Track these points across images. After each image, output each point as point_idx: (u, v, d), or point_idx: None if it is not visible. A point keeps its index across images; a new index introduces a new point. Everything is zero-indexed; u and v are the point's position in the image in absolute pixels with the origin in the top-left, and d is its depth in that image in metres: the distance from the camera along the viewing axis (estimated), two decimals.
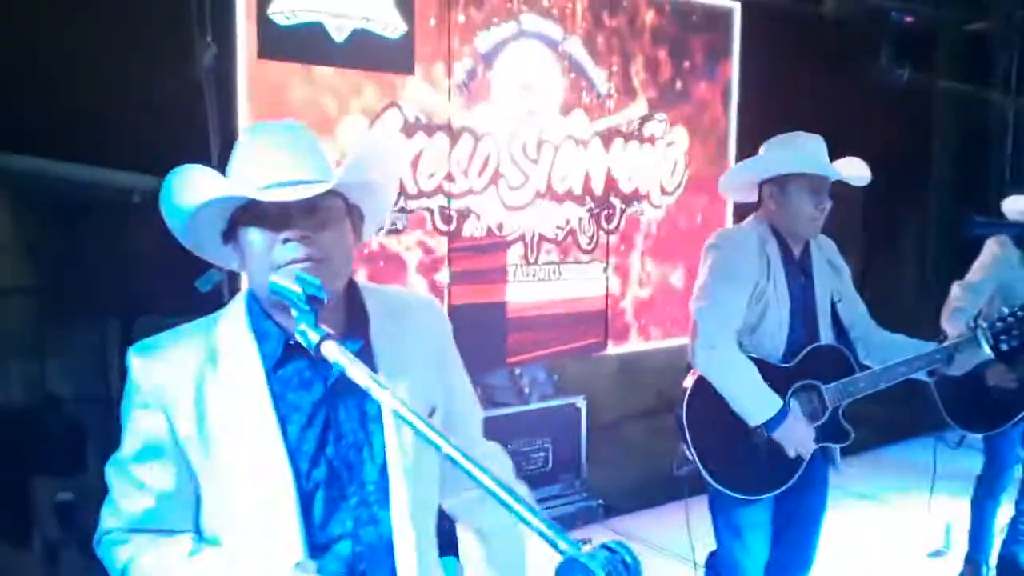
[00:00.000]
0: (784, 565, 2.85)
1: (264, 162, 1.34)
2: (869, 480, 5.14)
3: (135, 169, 3.43)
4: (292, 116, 3.67)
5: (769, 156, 2.81)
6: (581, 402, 4.77)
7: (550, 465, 4.65)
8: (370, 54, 3.92)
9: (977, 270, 3.64)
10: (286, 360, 1.41)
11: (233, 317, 1.44)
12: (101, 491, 1.44)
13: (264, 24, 3.63)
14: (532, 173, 4.61)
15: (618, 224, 5.00)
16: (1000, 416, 3.51)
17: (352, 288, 1.49)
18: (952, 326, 3.27)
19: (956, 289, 3.59)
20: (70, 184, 3.56)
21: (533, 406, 4.71)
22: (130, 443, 1.40)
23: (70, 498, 3.47)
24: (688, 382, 2.77)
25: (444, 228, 4.30)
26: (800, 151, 2.72)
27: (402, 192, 4.07)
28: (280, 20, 3.67)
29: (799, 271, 2.79)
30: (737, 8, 5.39)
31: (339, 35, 3.81)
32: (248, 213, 1.35)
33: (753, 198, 2.87)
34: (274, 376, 1.40)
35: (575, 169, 4.78)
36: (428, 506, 1.51)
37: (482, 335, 4.41)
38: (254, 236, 1.35)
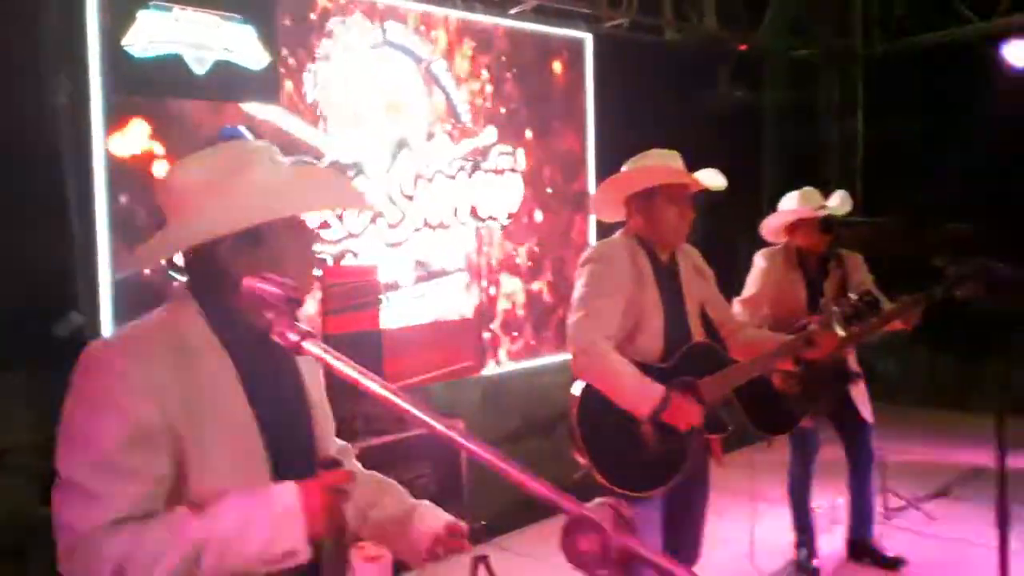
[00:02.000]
0: (675, 557, 2.97)
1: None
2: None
3: None
4: (150, 150, 3.59)
5: (633, 172, 2.98)
6: (461, 425, 4.79)
7: (434, 489, 4.65)
8: (233, 86, 3.86)
9: (750, 285, 4.03)
10: (246, 348, 1.53)
11: (185, 312, 1.52)
12: None
13: (118, 57, 3.52)
14: (409, 210, 4.68)
15: (484, 250, 5.12)
16: (790, 416, 3.82)
17: None
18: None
19: (736, 305, 3.94)
20: None
21: (413, 433, 4.69)
22: (110, 435, 1.38)
23: None
24: (576, 390, 2.87)
25: (317, 272, 4.27)
26: (660, 164, 2.90)
27: None
28: (136, 52, 3.57)
29: (669, 278, 2.96)
30: (589, 38, 5.67)
31: (200, 67, 3.74)
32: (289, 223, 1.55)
33: (622, 216, 3.04)
34: (239, 362, 1.52)
35: (446, 201, 4.88)
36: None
37: (357, 360, 4.38)
38: (298, 243, 1.58)
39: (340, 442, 1.87)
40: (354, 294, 4.44)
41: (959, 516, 4.67)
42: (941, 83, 6.67)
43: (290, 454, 1.56)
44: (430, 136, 4.83)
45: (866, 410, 4.06)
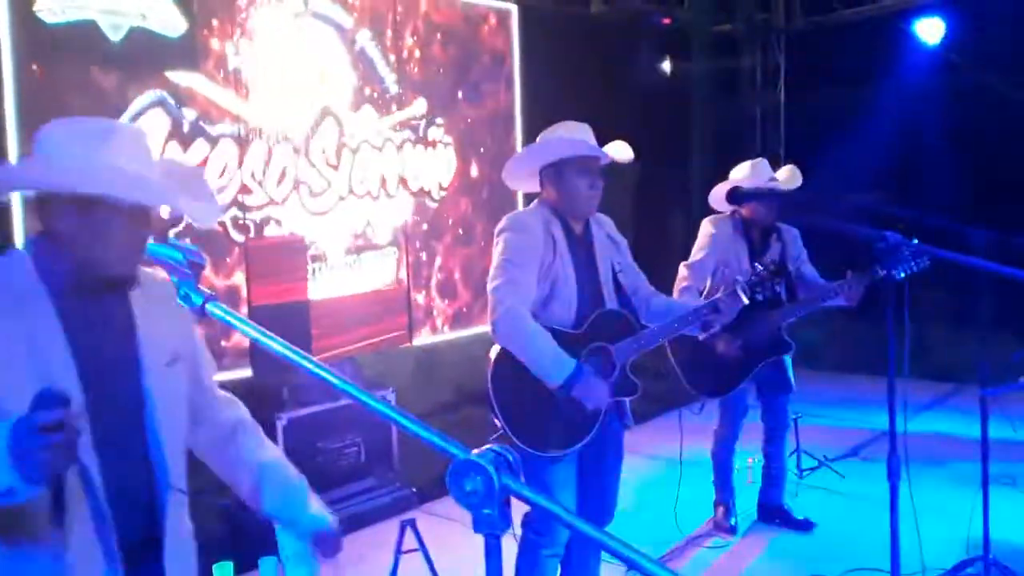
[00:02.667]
0: (590, 515, 3.10)
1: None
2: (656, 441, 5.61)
3: None
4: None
5: (543, 145, 3.06)
6: (390, 395, 4.84)
7: (363, 459, 4.70)
8: (150, 53, 3.81)
9: (698, 251, 4.09)
10: (74, 300, 1.60)
11: (20, 259, 1.59)
12: None
13: (29, 22, 3.45)
14: (334, 179, 4.67)
15: (415, 220, 5.16)
16: (729, 381, 4.02)
17: None
18: (682, 301, 3.66)
19: (683, 269, 4.04)
20: None
21: (342, 403, 4.73)
22: None
23: None
24: (492, 354, 2.96)
25: (240, 237, 4.25)
26: (570, 137, 2.98)
27: None
28: (48, 18, 3.50)
29: (582, 247, 3.05)
30: (515, 10, 5.69)
31: (115, 34, 3.68)
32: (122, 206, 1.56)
33: (536, 186, 3.11)
34: (65, 313, 1.58)
35: (374, 172, 4.89)
36: (177, 439, 1.76)
37: (284, 334, 4.38)
38: (126, 227, 1.59)
39: (224, 394, 1.97)
40: (280, 264, 4.44)
41: (867, 474, 4.91)
42: (858, 57, 6.88)
43: (111, 403, 1.63)
44: (355, 106, 4.82)
45: (789, 377, 4.24)
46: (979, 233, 3.54)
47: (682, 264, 4.07)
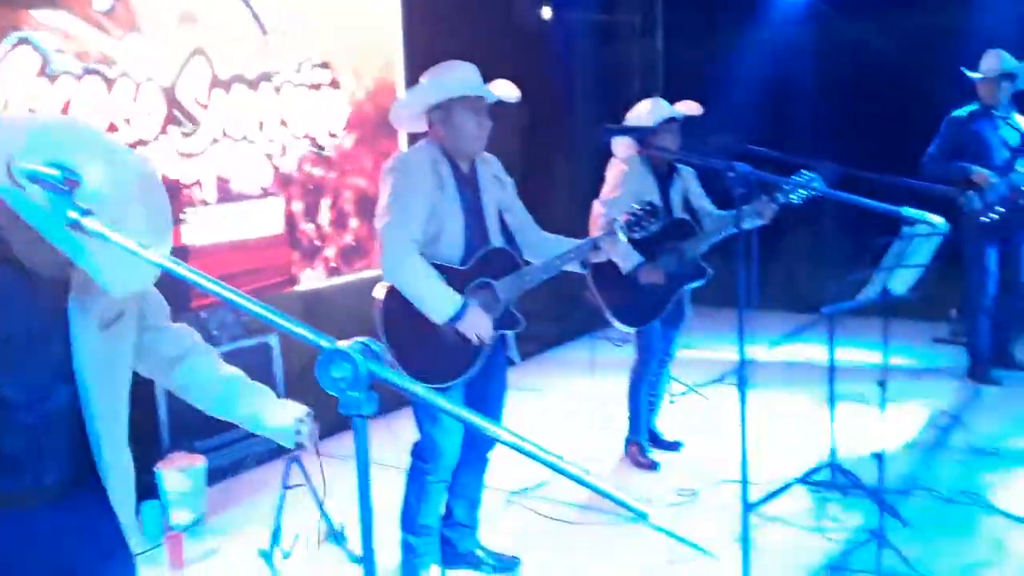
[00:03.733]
0: (477, 442, 3.24)
1: None
2: (539, 376, 5.83)
3: None
4: None
5: (431, 85, 3.10)
6: (274, 340, 4.80)
7: None
8: None
9: (612, 188, 4.21)
10: None
11: None
12: None
13: None
14: (205, 119, 4.55)
15: (295, 163, 5.09)
16: (650, 311, 4.20)
17: None
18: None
19: (598, 207, 4.17)
20: None
21: (224, 348, 4.66)
22: None
23: None
24: (379, 292, 3.02)
25: None
26: (458, 77, 3.03)
27: None
28: None
29: (468, 186, 3.13)
30: None
31: None
32: None
33: (423, 126, 3.15)
34: None
35: (248, 113, 4.78)
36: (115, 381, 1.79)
37: (161, 281, 4.28)
38: None
39: (177, 326, 2.01)
40: None
41: (731, 398, 5.25)
42: (735, 8, 7.15)
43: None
44: (230, 43, 4.69)
45: (685, 309, 4.44)
46: (828, 168, 3.82)
47: (596, 202, 4.18)
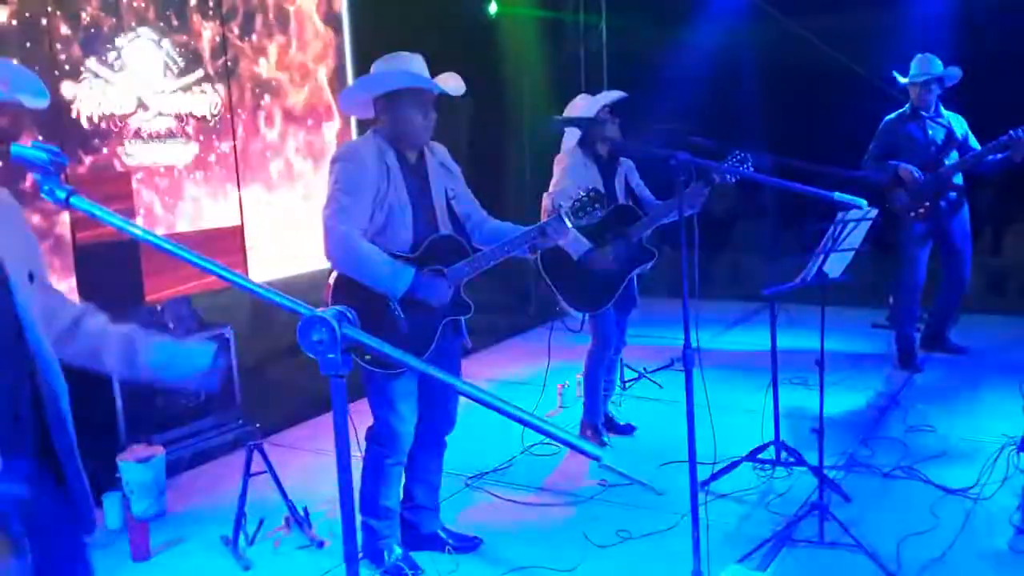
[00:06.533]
0: (433, 426, 3.30)
1: None
2: (494, 366, 5.93)
3: None
4: None
5: (378, 75, 3.13)
6: (229, 332, 4.80)
7: (204, 398, 4.67)
8: None
9: (558, 182, 4.29)
10: None
11: None
12: None
13: None
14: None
15: (246, 154, 5.09)
16: (603, 296, 4.30)
17: None
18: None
19: (546, 200, 4.26)
20: None
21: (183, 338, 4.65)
22: None
23: None
24: (331, 280, 3.06)
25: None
26: (405, 69, 3.07)
27: None
28: None
29: (416, 175, 3.16)
30: None
31: None
32: None
33: (371, 113, 3.19)
34: None
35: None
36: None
37: (115, 275, 4.29)
38: None
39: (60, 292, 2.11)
40: (108, 200, 4.30)
41: (681, 383, 5.37)
42: (674, 2, 7.30)
43: None
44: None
45: (635, 294, 4.53)
46: (764, 157, 3.96)
47: (545, 195, 4.27)
